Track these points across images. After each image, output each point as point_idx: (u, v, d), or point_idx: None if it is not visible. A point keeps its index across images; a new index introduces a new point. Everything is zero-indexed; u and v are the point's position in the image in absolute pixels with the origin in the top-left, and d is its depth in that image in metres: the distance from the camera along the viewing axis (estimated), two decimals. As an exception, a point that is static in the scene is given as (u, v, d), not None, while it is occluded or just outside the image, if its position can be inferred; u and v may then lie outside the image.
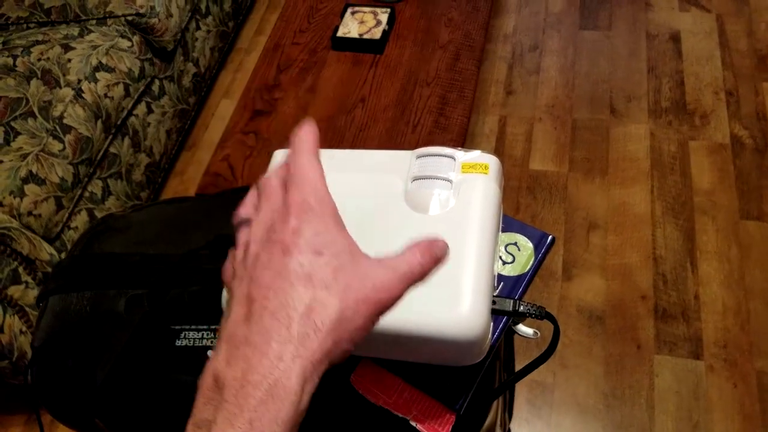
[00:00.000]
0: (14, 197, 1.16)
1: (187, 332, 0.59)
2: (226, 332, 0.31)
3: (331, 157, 0.55)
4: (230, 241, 0.58)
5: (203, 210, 0.74)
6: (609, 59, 1.76)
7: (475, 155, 0.51)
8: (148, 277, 0.64)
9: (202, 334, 0.60)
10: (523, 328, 0.65)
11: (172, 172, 1.72)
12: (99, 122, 1.32)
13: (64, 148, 1.25)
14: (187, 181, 1.70)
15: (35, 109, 1.25)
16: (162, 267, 0.64)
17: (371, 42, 1.28)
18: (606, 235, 1.43)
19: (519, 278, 0.53)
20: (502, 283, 0.53)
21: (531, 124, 1.67)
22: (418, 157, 0.52)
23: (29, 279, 1.20)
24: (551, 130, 1.65)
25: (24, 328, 1.21)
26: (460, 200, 0.48)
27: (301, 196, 0.34)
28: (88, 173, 1.32)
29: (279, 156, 0.57)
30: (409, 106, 1.20)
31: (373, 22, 1.30)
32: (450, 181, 0.49)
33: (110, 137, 1.37)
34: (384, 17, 1.31)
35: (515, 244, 0.55)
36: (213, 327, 0.60)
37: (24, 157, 1.19)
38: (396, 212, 0.49)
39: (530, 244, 0.55)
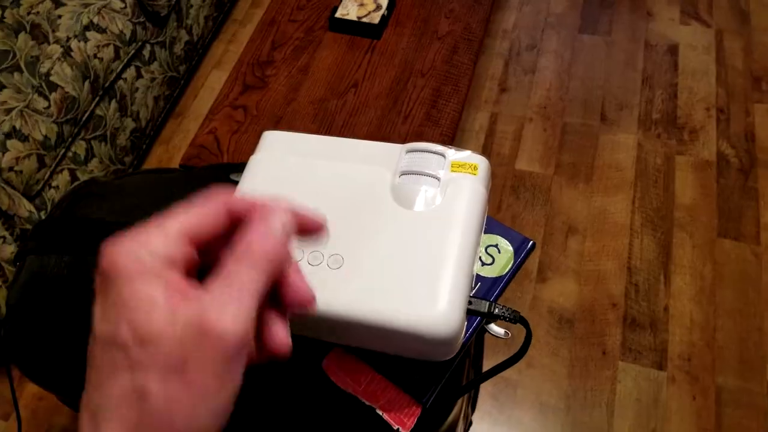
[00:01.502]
0: (-6, 151, 1.14)
1: (162, 305, 0.59)
2: None
3: (322, 143, 0.55)
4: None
5: (188, 182, 0.73)
6: (605, 65, 1.77)
7: (466, 155, 0.51)
8: (127, 247, 0.63)
9: (177, 307, 0.60)
10: (495, 328, 0.66)
11: (157, 139, 1.69)
12: (86, 83, 1.30)
13: (49, 106, 1.22)
14: (172, 149, 1.68)
15: (22, 64, 1.22)
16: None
17: (369, 26, 1.27)
18: (584, 240, 1.45)
19: (496, 280, 0.54)
20: (479, 284, 0.54)
21: (521, 123, 1.68)
22: (408, 151, 0.52)
23: (7, 234, 1.18)
24: (541, 131, 1.66)
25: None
26: (446, 199, 0.49)
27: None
28: (72, 133, 1.29)
29: (268, 137, 0.57)
30: (402, 95, 1.20)
31: (372, 6, 1.29)
32: (438, 178, 0.50)
33: (97, 99, 1.34)
34: (384, 2, 1.30)
35: (496, 246, 0.56)
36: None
37: (8, 111, 1.17)
38: (381, 206, 0.49)
39: (511, 248, 0.55)
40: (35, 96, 1.21)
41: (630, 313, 1.33)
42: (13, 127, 1.16)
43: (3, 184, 1.15)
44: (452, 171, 0.50)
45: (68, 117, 1.26)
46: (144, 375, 0.23)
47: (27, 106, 1.19)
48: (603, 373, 1.26)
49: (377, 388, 0.52)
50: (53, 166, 1.26)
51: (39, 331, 0.63)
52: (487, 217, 0.56)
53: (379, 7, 1.29)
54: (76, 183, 1.32)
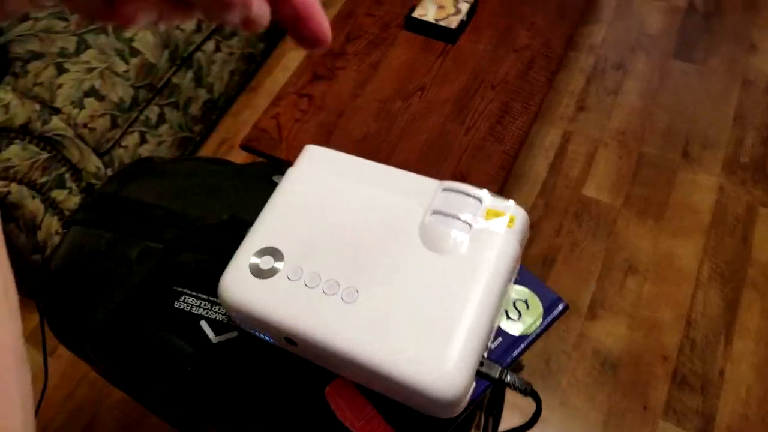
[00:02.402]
0: (74, 107, 1.18)
1: (187, 297, 0.60)
2: None
3: (360, 166, 0.53)
4: (243, 225, 0.58)
5: (236, 179, 0.73)
6: (695, 96, 1.65)
7: (504, 205, 0.47)
8: (164, 234, 0.64)
9: (200, 302, 0.60)
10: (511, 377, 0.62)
11: (228, 111, 1.73)
12: (166, 52, 1.33)
13: (128, 70, 1.26)
14: (240, 123, 1.71)
15: (109, 27, 1.26)
16: (180, 227, 0.64)
17: (445, 30, 1.23)
18: (644, 282, 1.37)
19: (519, 338, 0.50)
20: (500, 339, 0.50)
21: (595, 147, 1.59)
22: (445, 189, 0.49)
23: (74, 185, 1.24)
24: (615, 158, 1.57)
25: (59, 229, 1.26)
26: (474, 248, 0.45)
27: None
28: (147, 98, 1.33)
29: (310, 151, 0.55)
30: (469, 106, 1.15)
31: (452, 10, 1.25)
32: (470, 225, 0.47)
33: (174, 68, 1.38)
34: (464, 7, 1.25)
35: (526, 301, 0.52)
36: (212, 298, 0.60)
37: (90, 71, 1.21)
38: (407, 243, 0.47)
39: (541, 306, 0.51)
40: (117, 59, 1.25)
41: (681, 369, 1.24)
42: (93, 86, 1.21)
43: (76, 139, 1.20)
44: (486, 218, 0.47)
45: (145, 82, 1.30)
46: None
47: (108, 68, 1.23)
48: (641, 428, 1.18)
49: (376, 427, 0.50)
50: (125, 127, 1.31)
51: (71, 300, 0.65)
52: (522, 268, 0.53)
53: (458, 11, 1.25)
54: (135, 160, 1.36)
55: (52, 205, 1.23)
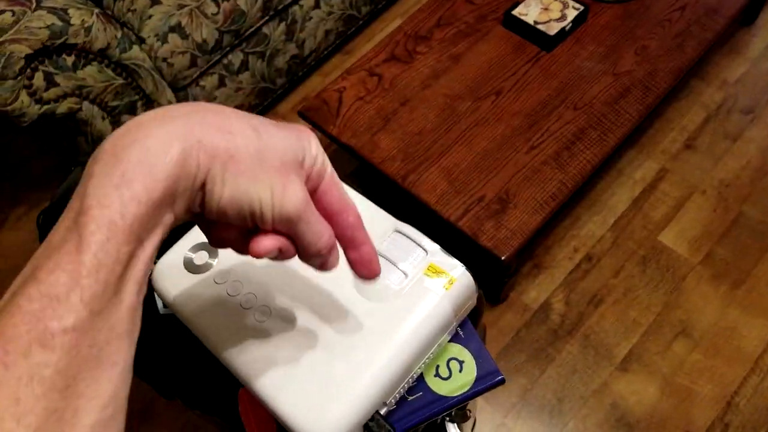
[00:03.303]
0: (157, 40, 1.23)
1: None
2: None
3: None
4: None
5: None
6: (828, 164, 1.43)
7: (449, 264, 0.43)
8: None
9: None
10: (453, 430, 0.59)
11: (318, 70, 1.73)
12: (260, 1, 1.34)
13: (218, 13, 1.29)
14: (328, 82, 1.71)
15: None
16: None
17: (542, 35, 1.14)
18: (693, 350, 1.23)
19: (440, 399, 0.46)
20: (421, 393, 0.47)
21: (691, 192, 1.44)
22: (396, 231, 0.45)
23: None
24: (709, 210, 1.41)
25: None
26: (400, 302, 0.42)
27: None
28: (232, 44, 1.36)
29: None
30: (541, 122, 1.07)
31: (557, 15, 1.15)
32: (406, 275, 0.43)
33: (266, 18, 1.39)
34: (571, 14, 1.14)
35: (461, 363, 0.48)
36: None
37: (181, 7, 1.25)
38: (335, 277, 0.44)
39: (475, 373, 0.47)
40: (209, 0, 1.27)
41: (703, 455, 1.13)
42: (179, 23, 1.25)
43: (153, 71, 1.25)
44: (425, 273, 0.43)
45: (231, 28, 1.32)
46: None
47: (198, 8, 1.26)
48: (633, 504, 1.09)
49: (274, 444, 0.49)
50: (205, 68, 1.34)
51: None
52: (470, 330, 0.48)
53: (563, 17, 1.14)
54: (219, 90, 1.36)
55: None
